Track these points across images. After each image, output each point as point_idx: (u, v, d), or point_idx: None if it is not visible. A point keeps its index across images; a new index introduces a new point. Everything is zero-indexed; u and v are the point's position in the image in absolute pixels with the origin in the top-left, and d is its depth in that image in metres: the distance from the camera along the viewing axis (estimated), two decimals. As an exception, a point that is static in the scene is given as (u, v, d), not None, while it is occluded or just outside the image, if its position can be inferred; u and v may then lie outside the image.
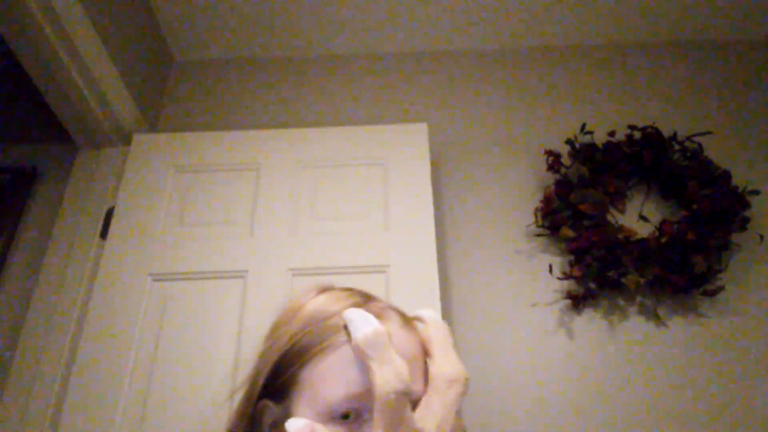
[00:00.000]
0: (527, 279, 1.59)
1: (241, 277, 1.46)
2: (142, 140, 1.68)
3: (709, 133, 1.73)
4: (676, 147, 1.71)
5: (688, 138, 1.70)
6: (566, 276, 1.53)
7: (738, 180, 1.66)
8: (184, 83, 2.00)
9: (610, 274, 1.51)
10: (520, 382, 1.45)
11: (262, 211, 1.55)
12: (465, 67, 1.99)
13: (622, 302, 1.55)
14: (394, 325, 0.60)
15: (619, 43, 2.02)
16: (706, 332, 1.50)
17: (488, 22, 1.95)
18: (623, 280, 1.49)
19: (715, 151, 1.72)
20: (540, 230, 1.63)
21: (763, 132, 1.81)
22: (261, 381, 0.62)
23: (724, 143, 1.77)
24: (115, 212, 1.56)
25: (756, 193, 1.62)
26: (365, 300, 0.63)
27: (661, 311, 1.52)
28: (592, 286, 1.53)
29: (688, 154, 1.69)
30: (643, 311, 1.53)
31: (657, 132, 1.72)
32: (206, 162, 1.64)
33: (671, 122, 1.81)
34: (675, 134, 1.72)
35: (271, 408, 0.61)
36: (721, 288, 1.50)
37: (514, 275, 1.59)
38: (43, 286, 1.52)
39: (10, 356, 1.45)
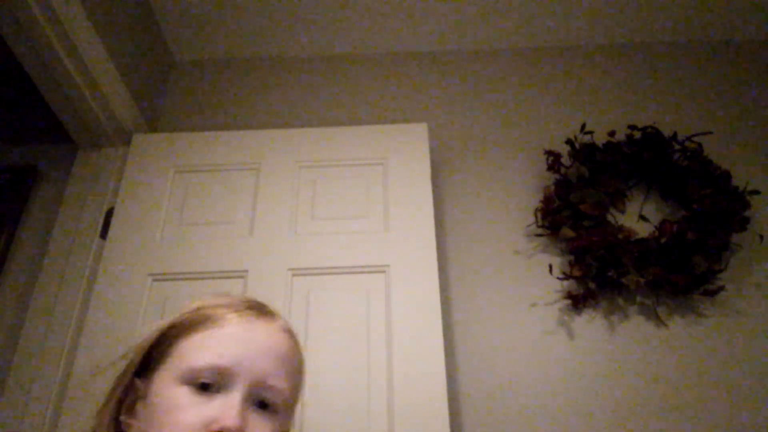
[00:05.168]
0: (527, 279, 1.59)
1: (241, 277, 1.46)
2: (142, 140, 1.68)
3: (709, 133, 1.73)
4: (676, 147, 1.71)
5: (688, 138, 1.70)
6: (566, 276, 1.53)
7: (738, 180, 1.66)
8: (184, 83, 2.00)
9: (610, 274, 1.50)
10: (520, 382, 1.45)
11: (262, 211, 1.55)
12: (465, 67, 1.99)
13: (622, 302, 1.55)
14: (247, 318, 0.64)
15: (619, 43, 2.02)
16: (706, 332, 1.50)
17: (488, 22, 1.95)
18: (623, 280, 1.49)
19: (715, 151, 1.72)
20: (540, 230, 1.63)
21: (763, 132, 1.81)
22: (138, 357, 0.64)
23: (724, 143, 1.77)
24: (115, 212, 1.56)
25: (756, 193, 1.62)
26: (247, 305, 0.67)
27: (661, 311, 1.52)
28: (592, 286, 1.53)
29: (688, 154, 1.69)
30: (643, 311, 1.53)
31: (657, 132, 1.72)
32: (206, 162, 1.64)
33: (671, 122, 1.81)
34: (675, 134, 1.71)
35: (137, 385, 0.63)
36: (721, 288, 1.50)
37: (514, 275, 1.59)
38: (43, 286, 1.51)
39: (10, 356, 1.45)
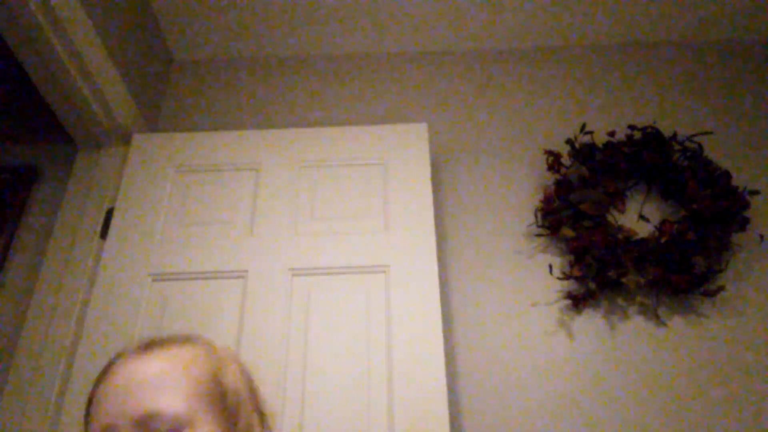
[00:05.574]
0: (527, 279, 1.59)
1: (241, 277, 1.46)
2: (142, 140, 1.68)
3: (709, 133, 1.73)
4: (677, 147, 1.71)
5: (688, 138, 1.70)
6: (566, 276, 1.53)
7: (738, 180, 1.66)
8: (184, 83, 2.00)
9: (610, 274, 1.51)
10: (520, 381, 1.45)
11: (262, 211, 1.55)
12: (465, 67, 1.99)
13: (622, 302, 1.55)
14: (127, 355, 0.66)
15: (619, 43, 2.01)
16: (706, 332, 1.50)
17: (488, 22, 1.95)
18: (623, 280, 1.49)
19: (715, 151, 1.72)
20: (540, 230, 1.63)
21: (763, 132, 1.81)
22: None
23: (724, 143, 1.77)
24: (115, 212, 1.56)
25: (756, 193, 1.62)
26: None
27: (661, 311, 1.52)
28: (592, 286, 1.53)
29: (689, 154, 1.69)
30: (643, 311, 1.53)
31: (657, 132, 1.72)
32: (206, 162, 1.64)
33: (671, 122, 1.81)
34: (675, 134, 1.72)
35: None
36: (721, 288, 1.50)
37: (514, 275, 1.59)
38: (43, 286, 1.51)
39: (10, 356, 1.45)
